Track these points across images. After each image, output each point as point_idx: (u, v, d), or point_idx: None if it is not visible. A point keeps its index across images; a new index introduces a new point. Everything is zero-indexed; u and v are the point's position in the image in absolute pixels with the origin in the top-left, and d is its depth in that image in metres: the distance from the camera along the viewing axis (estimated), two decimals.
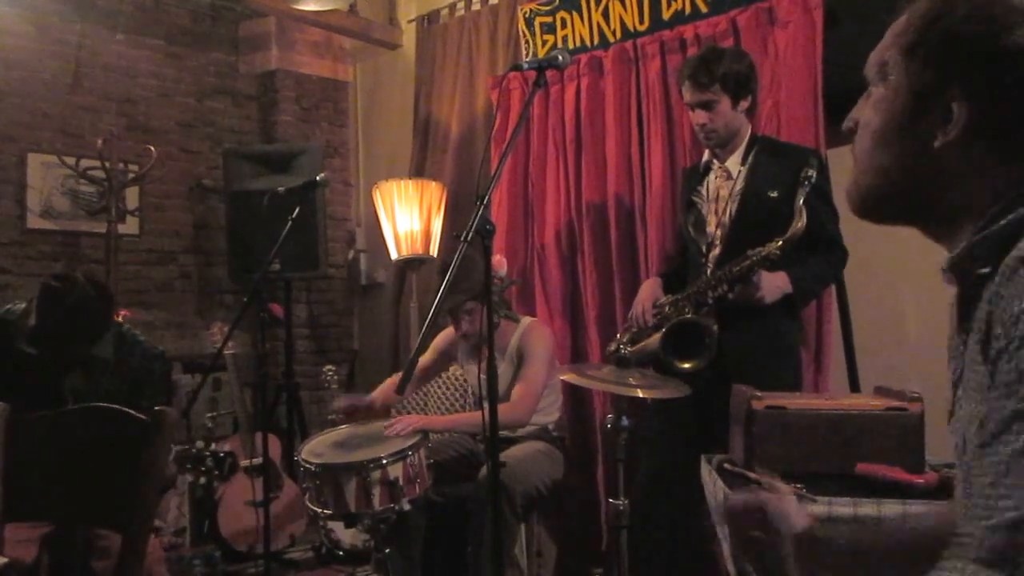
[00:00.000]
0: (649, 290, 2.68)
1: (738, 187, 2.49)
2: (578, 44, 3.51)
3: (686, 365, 2.32)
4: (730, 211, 2.49)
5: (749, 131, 2.54)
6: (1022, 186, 0.81)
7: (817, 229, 2.32)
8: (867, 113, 0.93)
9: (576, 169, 3.45)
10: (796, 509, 1.07)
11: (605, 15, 3.43)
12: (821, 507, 1.59)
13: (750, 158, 2.50)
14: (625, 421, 2.11)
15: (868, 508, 1.58)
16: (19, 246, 4.01)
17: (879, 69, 0.92)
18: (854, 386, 2.70)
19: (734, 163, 2.53)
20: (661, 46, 3.20)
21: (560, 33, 3.58)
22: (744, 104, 2.48)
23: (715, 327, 2.34)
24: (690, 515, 2.42)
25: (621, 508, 2.12)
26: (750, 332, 2.38)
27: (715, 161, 2.57)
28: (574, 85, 3.45)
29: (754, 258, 2.30)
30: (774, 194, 2.42)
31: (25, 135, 4.05)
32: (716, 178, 2.57)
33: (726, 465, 1.90)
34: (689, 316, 2.40)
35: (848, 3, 2.76)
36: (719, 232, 2.50)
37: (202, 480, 3.43)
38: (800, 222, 2.25)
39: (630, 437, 2.15)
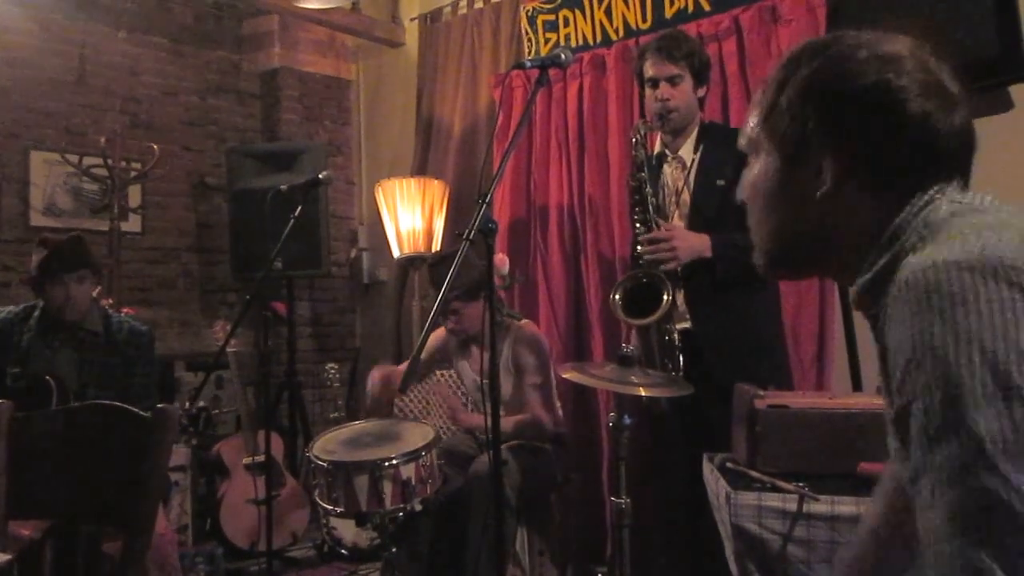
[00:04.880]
0: None
1: (691, 177, 2.47)
2: (580, 42, 3.51)
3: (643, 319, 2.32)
4: (688, 202, 2.48)
5: (699, 120, 2.53)
6: (890, 220, 0.86)
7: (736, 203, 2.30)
8: (748, 189, 1.00)
9: (579, 167, 3.45)
10: None
11: (608, 13, 3.43)
12: (824, 506, 1.60)
13: (701, 146, 2.48)
14: (627, 419, 2.10)
15: None
16: (22, 243, 4.01)
17: (748, 143, 0.99)
18: (857, 385, 2.69)
19: (687, 152, 2.51)
20: None
21: (563, 31, 3.59)
22: (701, 91, 2.49)
23: (668, 282, 2.31)
24: (692, 514, 2.41)
25: (623, 507, 2.11)
26: (724, 329, 2.35)
27: (667, 152, 2.54)
28: (576, 83, 3.45)
29: None
30: (721, 183, 2.39)
31: (28, 133, 4.05)
32: (673, 170, 2.53)
33: (729, 464, 1.90)
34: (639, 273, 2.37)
35: (851, 0, 2.75)
36: (683, 225, 2.46)
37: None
38: None
39: (633, 435, 2.15)
